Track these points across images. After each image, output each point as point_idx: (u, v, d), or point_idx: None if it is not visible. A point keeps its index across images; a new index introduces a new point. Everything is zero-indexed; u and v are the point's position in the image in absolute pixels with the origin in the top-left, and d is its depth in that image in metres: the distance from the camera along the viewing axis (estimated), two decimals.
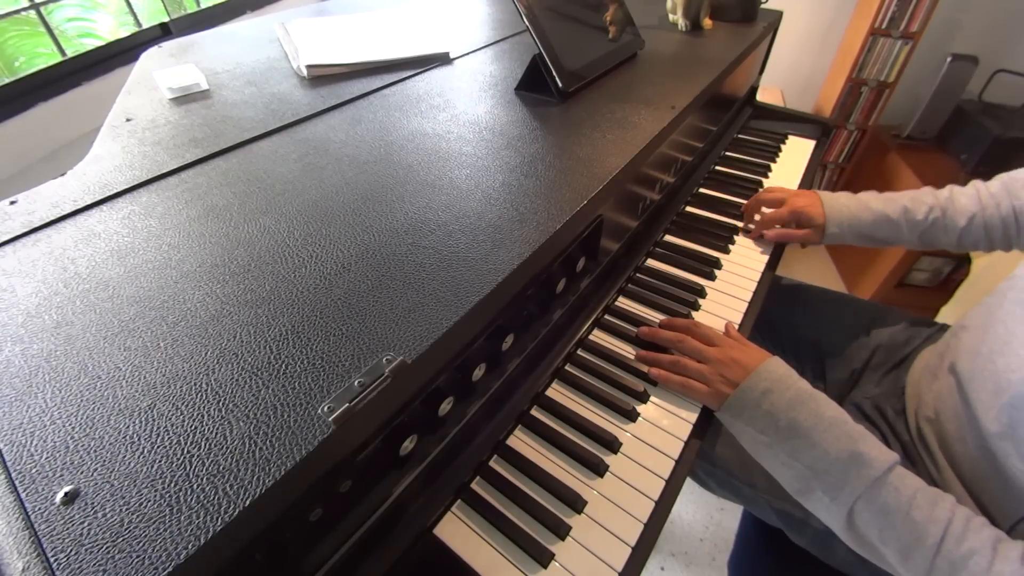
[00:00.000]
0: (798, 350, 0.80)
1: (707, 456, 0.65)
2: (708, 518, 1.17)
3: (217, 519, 0.26)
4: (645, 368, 0.56)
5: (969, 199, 0.67)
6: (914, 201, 0.69)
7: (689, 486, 1.22)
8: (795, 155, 1.01)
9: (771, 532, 0.67)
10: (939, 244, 0.68)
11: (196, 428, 0.30)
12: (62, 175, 0.54)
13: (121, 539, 0.26)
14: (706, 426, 0.53)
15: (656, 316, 0.64)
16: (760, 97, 1.23)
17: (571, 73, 0.70)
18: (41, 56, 1.45)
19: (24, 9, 1.05)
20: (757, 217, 0.79)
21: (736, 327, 0.62)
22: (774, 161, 0.98)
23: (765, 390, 0.49)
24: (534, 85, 0.71)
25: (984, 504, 0.48)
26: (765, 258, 0.74)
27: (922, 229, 0.67)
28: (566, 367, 0.57)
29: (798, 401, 0.48)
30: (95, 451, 0.29)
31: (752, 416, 0.49)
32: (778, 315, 0.82)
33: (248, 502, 0.27)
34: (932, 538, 0.40)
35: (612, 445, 0.49)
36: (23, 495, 0.28)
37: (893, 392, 0.65)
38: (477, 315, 0.39)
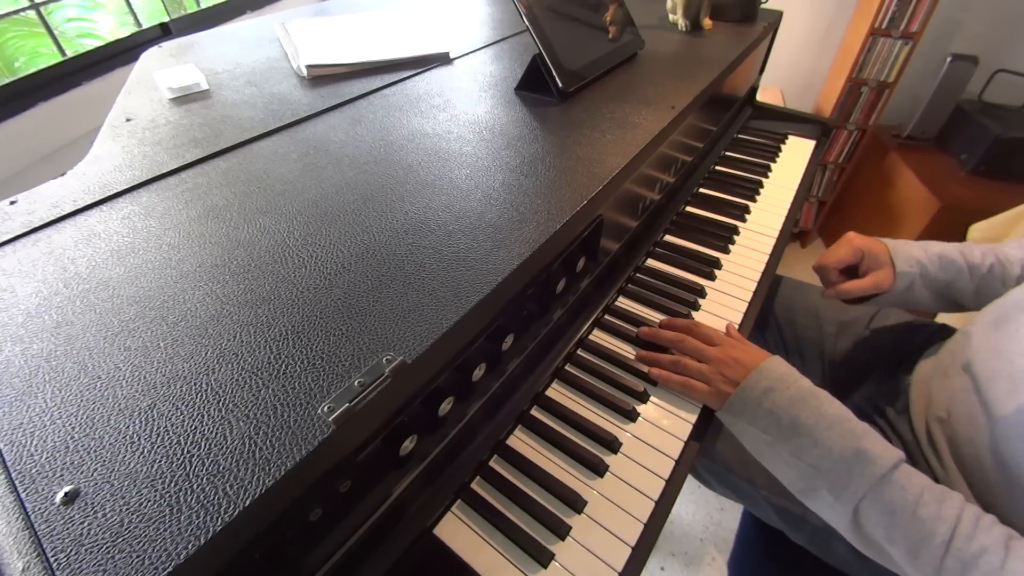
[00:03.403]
0: (799, 351, 0.80)
1: (707, 452, 0.65)
2: (708, 518, 1.17)
3: (217, 519, 0.26)
4: (645, 368, 0.56)
5: (1015, 249, 0.63)
6: (966, 246, 0.64)
7: (689, 486, 1.22)
8: (795, 155, 1.01)
9: (771, 532, 0.67)
10: (993, 295, 0.60)
11: (196, 428, 0.30)
12: (62, 175, 0.54)
13: (121, 539, 0.26)
14: (706, 426, 0.53)
15: (656, 316, 0.64)
16: (760, 97, 1.23)
17: (571, 73, 0.70)
18: (41, 56, 1.45)
19: (24, 9, 1.04)
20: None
21: (736, 327, 0.62)
22: (774, 161, 0.98)
23: (766, 388, 0.49)
24: (534, 85, 0.71)
25: (993, 509, 0.47)
26: (765, 258, 0.74)
27: (981, 275, 0.62)
28: (566, 367, 0.57)
29: (800, 399, 0.48)
30: (95, 451, 0.29)
31: (754, 415, 0.49)
32: (779, 315, 0.82)
33: (248, 502, 0.27)
34: (941, 536, 0.40)
35: (612, 445, 0.49)
36: (23, 495, 0.28)
37: (894, 391, 0.65)
38: (477, 315, 0.39)
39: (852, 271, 0.69)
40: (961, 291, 0.64)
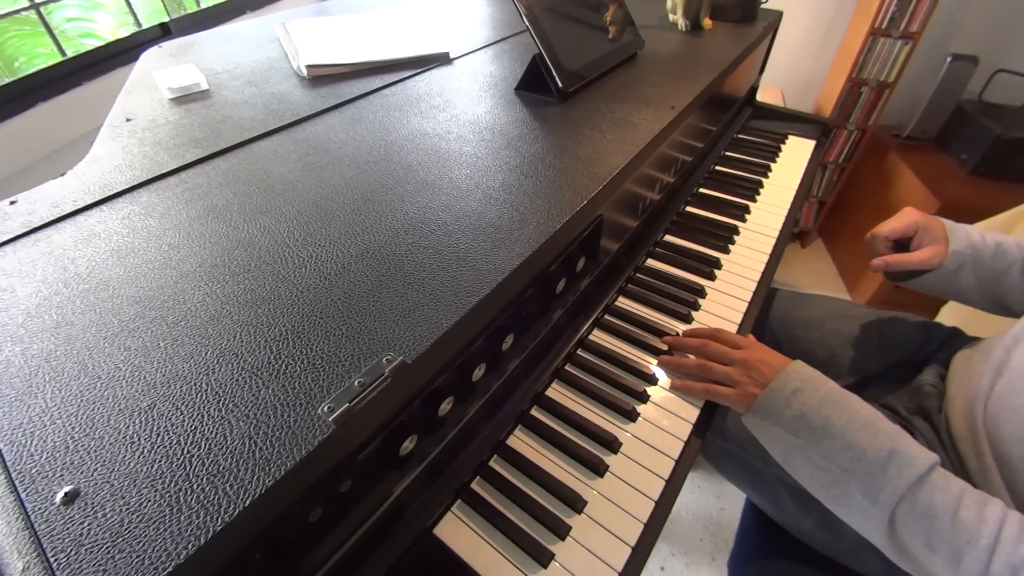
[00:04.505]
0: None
1: (719, 430, 0.64)
2: (708, 518, 1.17)
3: (217, 519, 0.26)
4: (668, 381, 0.55)
5: None
6: (1020, 240, 0.62)
7: (689, 486, 1.22)
8: (795, 155, 1.01)
9: (771, 531, 0.67)
10: None
11: (196, 428, 0.30)
12: (62, 175, 0.54)
13: (121, 539, 0.26)
14: (706, 426, 0.53)
15: (656, 316, 0.64)
16: (760, 97, 1.23)
17: (571, 73, 0.70)
18: (41, 56, 1.45)
19: (24, 9, 1.04)
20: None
21: (736, 330, 0.61)
22: (774, 161, 0.98)
23: (795, 389, 0.48)
24: (534, 85, 0.71)
25: None
26: (765, 258, 0.74)
27: None
28: (566, 367, 0.57)
29: (830, 400, 0.47)
30: (95, 451, 0.29)
31: (783, 417, 0.48)
32: (776, 330, 0.80)
33: (248, 502, 0.27)
34: (986, 539, 0.38)
35: (612, 445, 0.49)
36: (23, 495, 0.28)
37: (908, 393, 0.63)
38: (477, 315, 0.39)
39: (903, 248, 0.67)
40: (1010, 288, 0.61)
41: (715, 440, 0.65)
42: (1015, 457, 0.47)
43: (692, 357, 0.58)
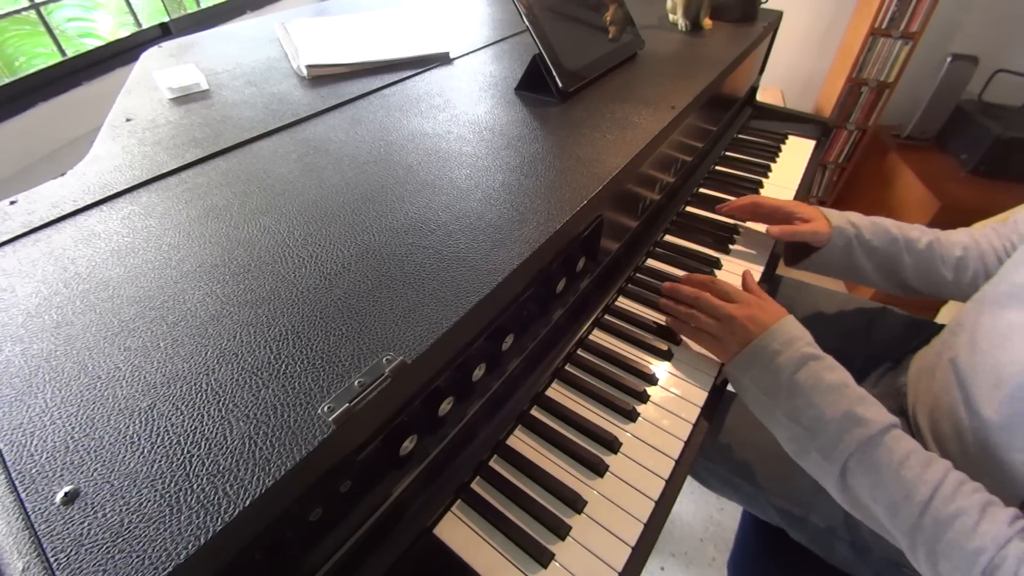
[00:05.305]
0: None
1: (708, 453, 0.65)
2: (708, 518, 1.17)
3: (217, 519, 0.26)
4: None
5: (960, 235, 0.66)
6: (902, 224, 0.68)
7: (689, 486, 1.22)
8: (795, 155, 1.01)
9: (771, 532, 0.67)
10: (936, 276, 0.65)
11: (196, 428, 0.30)
12: (62, 175, 0.54)
13: (121, 539, 0.26)
14: (707, 425, 0.53)
15: (656, 316, 0.64)
16: (760, 97, 1.23)
17: (571, 73, 0.70)
18: (41, 56, 1.45)
19: (24, 9, 1.05)
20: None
21: (756, 278, 0.63)
22: (774, 161, 0.98)
23: (775, 351, 0.50)
24: (534, 85, 0.71)
25: None
26: (765, 258, 0.74)
27: (918, 251, 0.65)
28: (566, 367, 0.57)
29: (803, 363, 0.49)
30: (95, 451, 0.29)
31: (758, 374, 0.50)
32: None
33: (248, 502, 0.27)
34: (920, 496, 0.41)
35: (612, 445, 0.49)
36: (23, 495, 0.28)
37: (890, 392, 0.65)
38: (477, 315, 0.39)
39: (798, 247, 0.73)
40: (902, 266, 0.66)
41: (703, 463, 0.66)
42: (954, 454, 0.50)
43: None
